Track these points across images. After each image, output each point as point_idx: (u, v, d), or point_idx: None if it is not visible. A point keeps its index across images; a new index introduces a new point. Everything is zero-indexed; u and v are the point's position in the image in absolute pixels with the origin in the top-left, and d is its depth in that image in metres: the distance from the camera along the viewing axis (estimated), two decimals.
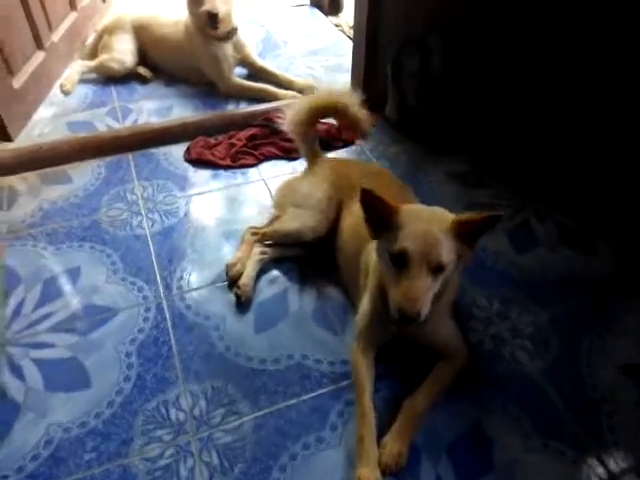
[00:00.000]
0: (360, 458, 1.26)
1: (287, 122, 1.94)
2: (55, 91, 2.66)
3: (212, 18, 2.44)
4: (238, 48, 2.67)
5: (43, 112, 2.53)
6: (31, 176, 2.18)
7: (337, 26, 3.37)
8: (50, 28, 2.58)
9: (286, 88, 2.71)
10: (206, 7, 2.43)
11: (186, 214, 2.01)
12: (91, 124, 2.48)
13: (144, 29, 2.78)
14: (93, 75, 2.80)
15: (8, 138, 2.25)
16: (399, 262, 1.23)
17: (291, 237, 1.79)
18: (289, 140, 2.25)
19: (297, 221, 1.77)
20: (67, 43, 2.73)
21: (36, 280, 1.75)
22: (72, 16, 2.80)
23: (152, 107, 2.61)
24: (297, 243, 1.79)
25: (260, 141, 2.34)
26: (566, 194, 2.08)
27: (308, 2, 3.66)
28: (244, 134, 2.37)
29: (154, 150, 2.33)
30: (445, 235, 1.24)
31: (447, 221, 1.26)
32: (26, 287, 1.74)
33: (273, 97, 2.62)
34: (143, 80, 2.77)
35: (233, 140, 2.33)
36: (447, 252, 1.23)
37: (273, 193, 2.04)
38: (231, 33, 2.59)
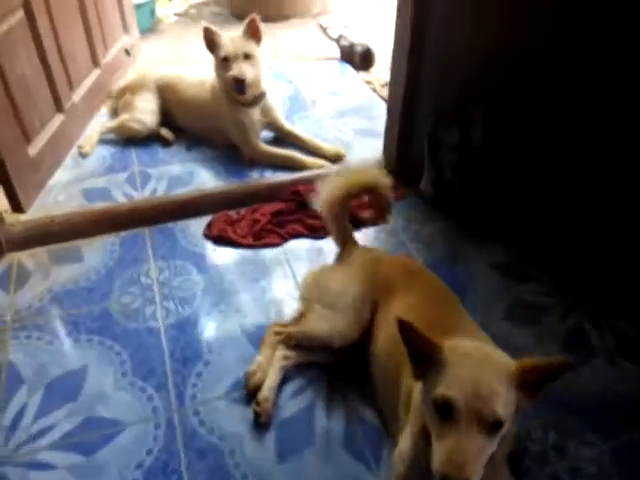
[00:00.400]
0: None
1: (320, 203, 1.79)
2: (73, 152, 2.55)
3: (239, 84, 2.31)
4: (265, 112, 2.54)
5: (59, 176, 2.41)
6: (41, 252, 2.05)
7: (368, 83, 3.24)
8: (71, 88, 2.48)
9: (314, 154, 2.57)
10: (233, 72, 2.31)
11: (203, 303, 1.85)
12: (108, 192, 2.35)
13: (168, 89, 2.67)
14: (112, 135, 2.68)
15: (20, 209, 2.13)
16: (444, 412, 1.03)
17: (318, 342, 1.61)
18: (316, 217, 2.10)
19: (326, 324, 1.60)
20: (88, 102, 2.63)
21: (39, 382, 1.60)
22: (95, 73, 2.71)
23: (173, 172, 2.48)
24: (325, 348, 1.61)
25: (286, 217, 2.19)
26: (623, 293, 1.88)
27: (338, 56, 3.54)
28: (269, 209, 2.21)
29: (172, 225, 2.18)
30: (503, 385, 1.03)
31: (505, 367, 1.06)
32: (28, 390, 1.59)
33: (300, 165, 2.48)
34: (165, 142, 2.65)
35: (257, 215, 2.18)
36: (505, 406, 1.02)
37: (300, 282, 1.87)
38: (259, 98, 2.46)
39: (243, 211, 2.23)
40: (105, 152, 2.60)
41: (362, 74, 3.36)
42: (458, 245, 2.11)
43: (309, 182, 2.33)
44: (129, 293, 1.89)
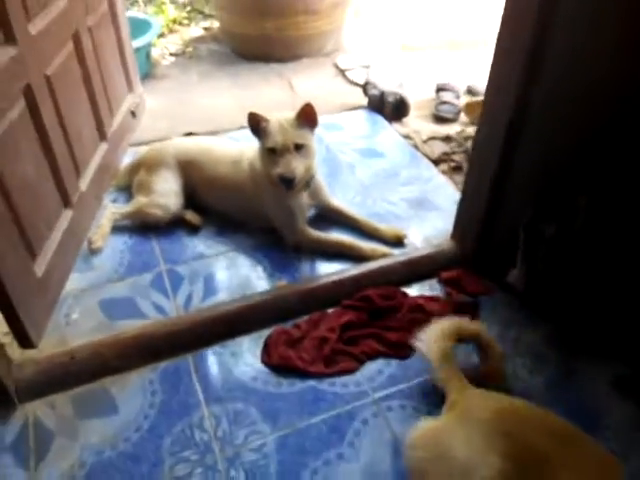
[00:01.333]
0: None
1: (425, 351, 1.48)
2: (83, 251, 2.12)
3: (288, 183, 1.94)
4: (314, 194, 2.17)
5: (70, 286, 1.98)
6: (62, 401, 1.63)
7: (407, 138, 2.88)
8: (78, 175, 2.06)
9: (369, 235, 2.20)
10: (279, 170, 1.94)
11: (280, 470, 1.46)
12: (132, 303, 1.93)
13: (192, 165, 2.27)
14: (126, 221, 2.26)
15: (30, 344, 1.70)
16: None
17: None
18: (397, 328, 1.74)
19: None
20: (97, 185, 2.21)
21: None
22: (102, 149, 2.28)
23: (207, 269, 2.08)
24: None
25: (358, 331, 1.81)
26: None
27: (364, 103, 3.18)
28: (335, 320, 1.83)
29: (220, 348, 1.78)
30: None
31: None
32: None
33: (357, 254, 2.11)
34: (191, 228, 2.24)
35: (322, 331, 1.80)
36: None
37: (406, 444, 1.44)
38: (308, 182, 2.08)
39: (304, 324, 1.84)
40: (120, 244, 2.18)
41: (396, 126, 3.01)
42: (567, 357, 1.77)
43: (376, 280, 1.97)
44: (183, 460, 1.48)
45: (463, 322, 1.64)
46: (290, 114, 1.97)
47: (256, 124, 1.94)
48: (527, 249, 1.87)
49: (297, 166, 1.93)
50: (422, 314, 1.83)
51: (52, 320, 1.85)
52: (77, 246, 2.04)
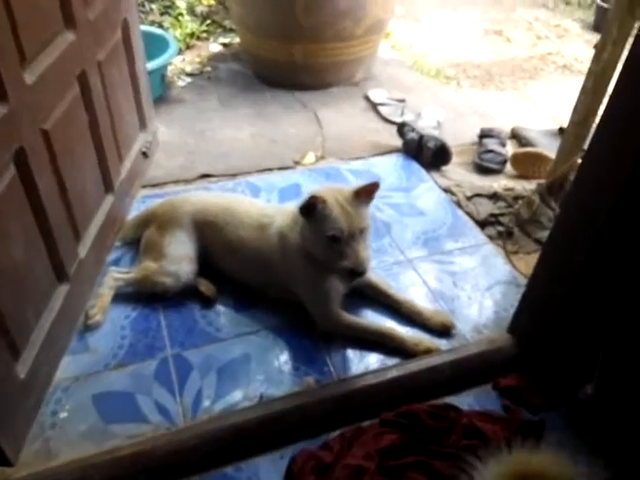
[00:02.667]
0: None
1: None
2: (78, 325, 1.82)
3: (355, 276, 1.64)
4: None
5: (60, 374, 1.69)
6: None
7: (448, 192, 2.57)
8: (78, 238, 1.76)
9: (410, 319, 1.90)
10: (349, 265, 1.61)
11: None
12: (132, 401, 1.63)
13: (210, 227, 1.97)
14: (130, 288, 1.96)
15: (5, 462, 1.39)
16: None
17: None
18: (448, 456, 1.44)
19: None
20: (98, 248, 1.91)
21: None
22: (107, 203, 1.98)
23: (221, 358, 1.77)
24: None
25: (402, 459, 1.50)
26: None
27: (399, 144, 2.87)
28: (374, 443, 1.52)
29: (233, 471, 1.49)
30: None
31: None
32: None
33: (397, 344, 1.81)
34: (205, 300, 1.94)
35: (359, 459, 1.49)
36: None
37: None
38: None
39: (336, 444, 1.54)
40: (122, 318, 1.88)
41: (435, 176, 2.70)
42: None
43: (419, 382, 1.67)
44: None
45: (528, 461, 1.34)
46: (347, 190, 1.66)
47: (313, 206, 1.62)
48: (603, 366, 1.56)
49: (367, 256, 1.63)
50: (478, 439, 1.52)
51: (36, 421, 1.55)
52: (72, 326, 1.75)
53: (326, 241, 1.62)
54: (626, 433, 1.51)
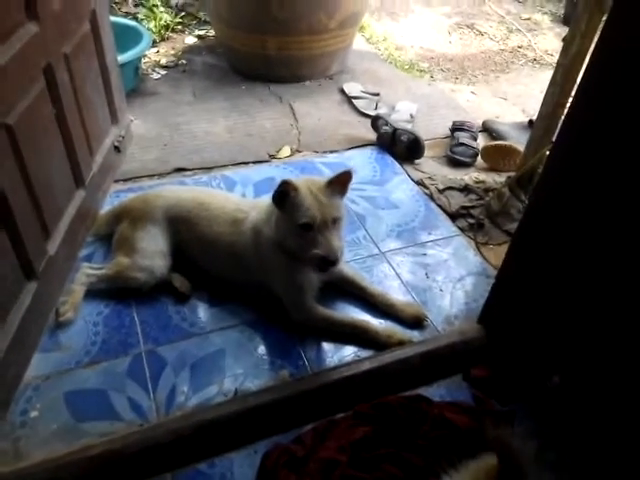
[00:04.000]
0: None
1: None
2: (49, 323, 1.80)
3: (328, 265, 1.63)
4: None
5: (31, 372, 1.67)
6: None
7: (420, 184, 2.60)
8: (47, 236, 1.73)
9: (383, 311, 1.92)
10: (321, 252, 1.60)
11: None
12: (104, 398, 1.62)
13: (183, 222, 1.95)
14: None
15: None
16: None
17: None
18: (420, 448, 1.47)
19: None
20: (69, 244, 1.88)
21: None
22: (78, 198, 1.95)
23: (196, 353, 1.77)
24: None
25: (373, 452, 1.52)
26: None
27: (373, 137, 2.88)
28: (347, 436, 1.54)
29: (207, 468, 1.49)
30: None
31: None
32: None
33: (370, 337, 1.82)
34: (179, 296, 1.93)
35: (332, 452, 1.50)
36: None
37: None
38: None
39: (308, 438, 1.55)
40: (94, 314, 1.87)
41: (409, 169, 2.72)
42: None
43: (392, 374, 1.69)
44: None
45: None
46: (320, 180, 1.67)
47: (285, 193, 1.62)
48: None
49: (339, 245, 1.63)
50: (449, 430, 1.55)
51: (6, 421, 1.53)
52: (42, 324, 1.72)
53: (298, 229, 1.62)
54: (587, 419, 1.55)
